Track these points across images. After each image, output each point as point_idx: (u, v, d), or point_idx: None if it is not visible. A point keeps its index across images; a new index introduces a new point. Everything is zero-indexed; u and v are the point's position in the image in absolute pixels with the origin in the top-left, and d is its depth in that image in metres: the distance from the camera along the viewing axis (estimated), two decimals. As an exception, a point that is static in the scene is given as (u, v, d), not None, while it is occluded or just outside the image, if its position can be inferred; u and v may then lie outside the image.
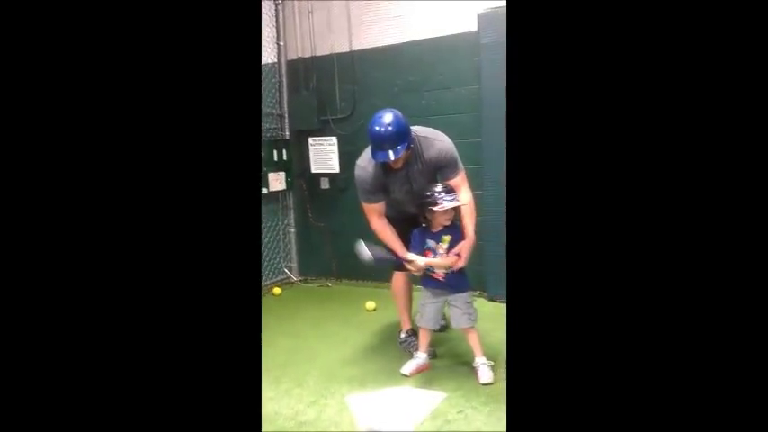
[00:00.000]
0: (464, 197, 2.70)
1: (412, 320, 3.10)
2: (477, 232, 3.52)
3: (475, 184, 3.68)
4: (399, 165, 2.66)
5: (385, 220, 2.80)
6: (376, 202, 2.77)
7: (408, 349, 3.01)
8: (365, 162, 2.74)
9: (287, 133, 4.69)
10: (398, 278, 3.08)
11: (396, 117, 2.58)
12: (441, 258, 2.67)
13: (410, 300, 3.16)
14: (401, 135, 2.55)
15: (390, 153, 2.54)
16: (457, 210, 2.67)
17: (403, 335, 3.15)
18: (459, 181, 2.73)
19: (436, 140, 2.72)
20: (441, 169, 2.73)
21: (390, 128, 2.54)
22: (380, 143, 2.56)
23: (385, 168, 2.70)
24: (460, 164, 2.75)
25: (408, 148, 2.61)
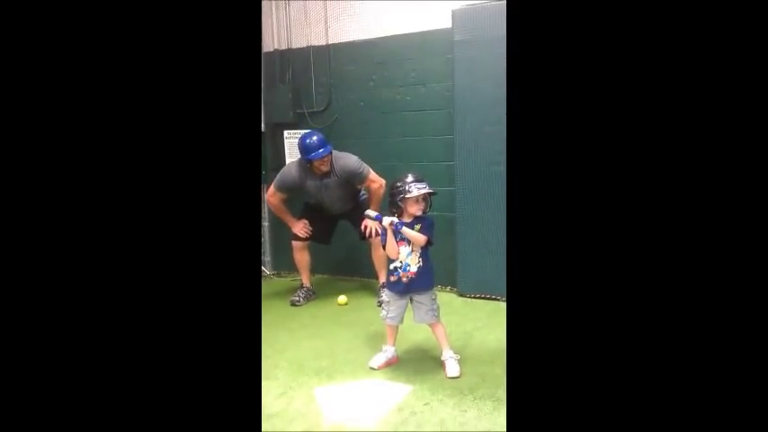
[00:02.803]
0: (372, 187, 3.69)
1: (310, 279, 4.11)
2: (450, 229, 3.56)
3: (447, 181, 3.74)
4: (326, 166, 3.66)
5: (278, 200, 3.87)
6: (282, 193, 3.84)
7: (304, 297, 3.99)
8: (293, 166, 3.84)
9: (262, 126, 4.67)
10: (299, 249, 4.00)
11: (318, 133, 3.76)
12: (415, 234, 2.66)
13: (310, 263, 4.10)
14: (324, 143, 3.66)
15: (320, 151, 3.59)
16: (426, 200, 2.69)
17: (302, 291, 4.03)
18: (368, 180, 3.69)
19: (343, 159, 3.72)
20: (350, 179, 3.71)
21: (316, 138, 3.66)
22: (312, 147, 3.63)
23: (307, 175, 3.72)
24: (366, 170, 3.69)
25: (329, 153, 3.64)
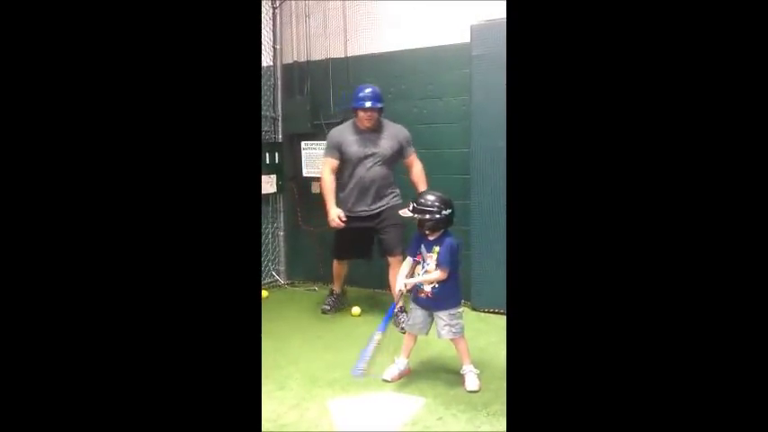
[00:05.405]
0: (418, 167, 3.64)
1: (342, 287, 4.05)
2: (465, 243, 3.57)
3: (462, 195, 3.74)
4: (371, 123, 3.53)
5: (331, 177, 3.63)
6: (331, 157, 3.63)
7: (333, 305, 3.95)
8: (341, 125, 3.71)
9: (280, 136, 4.72)
10: (340, 264, 3.92)
11: (373, 87, 3.60)
12: (425, 276, 2.73)
13: (345, 276, 4.02)
14: (376, 96, 3.55)
15: (367, 103, 3.49)
16: (427, 220, 2.71)
17: (332, 298, 4.01)
18: (414, 157, 3.66)
19: (397, 126, 3.66)
20: (402, 146, 3.60)
21: (369, 90, 3.55)
22: (361, 97, 3.53)
23: (355, 130, 3.58)
24: (412, 147, 3.66)
25: (379, 110, 3.54)
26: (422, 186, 3.53)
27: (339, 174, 3.65)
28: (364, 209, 3.60)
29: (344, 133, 3.60)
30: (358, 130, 3.57)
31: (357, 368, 2.86)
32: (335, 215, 3.53)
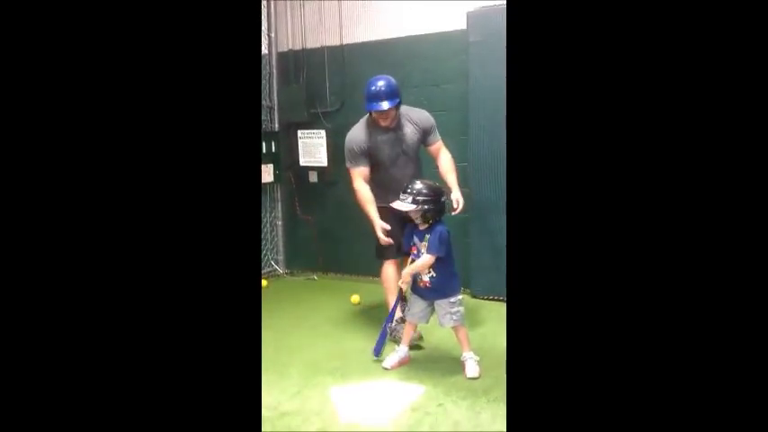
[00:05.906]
0: (446, 156, 3.23)
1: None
2: (463, 230, 3.57)
3: (460, 181, 3.72)
4: (389, 122, 3.07)
5: (366, 186, 3.12)
6: (360, 165, 3.12)
7: (395, 335, 3.10)
8: (357, 128, 3.18)
9: (276, 125, 4.70)
10: (388, 267, 3.24)
11: (388, 79, 3.05)
12: (419, 262, 2.73)
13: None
14: (392, 92, 3.01)
15: (383, 104, 2.97)
16: (420, 211, 2.71)
17: (393, 323, 3.17)
18: (441, 144, 3.24)
19: (417, 111, 3.23)
20: (427, 134, 3.19)
21: (383, 85, 3.00)
22: (375, 97, 2.99)
23: (377, 130, 3.10)
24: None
25: (397, 106, 3.05)
26: (451, 178, 3.16)
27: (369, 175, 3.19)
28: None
29: (367, 136, 3.12)
30: (380, 129, 3.11)
31: (375, 350, 2.97)
32: (381, 230, 3.01)
